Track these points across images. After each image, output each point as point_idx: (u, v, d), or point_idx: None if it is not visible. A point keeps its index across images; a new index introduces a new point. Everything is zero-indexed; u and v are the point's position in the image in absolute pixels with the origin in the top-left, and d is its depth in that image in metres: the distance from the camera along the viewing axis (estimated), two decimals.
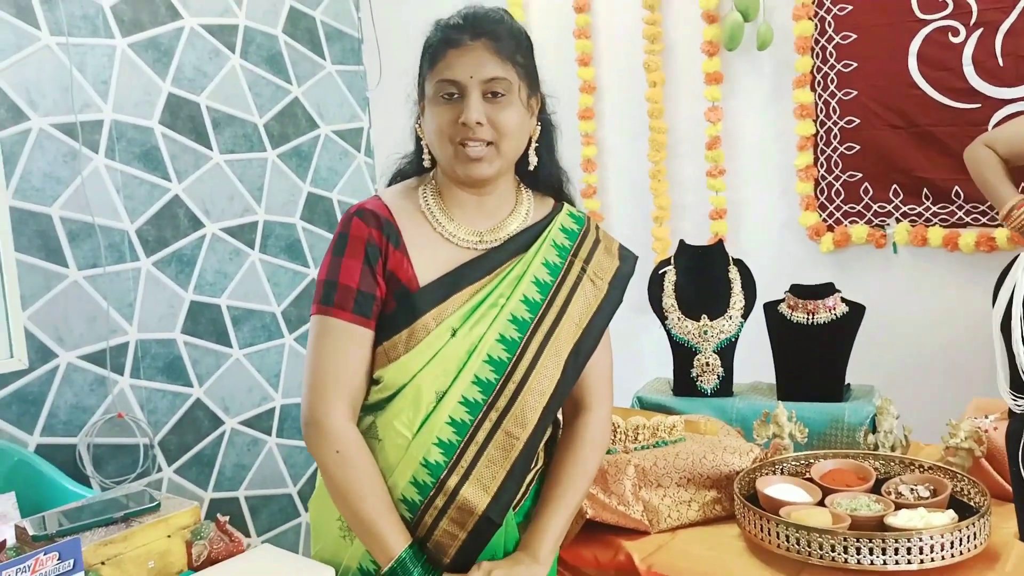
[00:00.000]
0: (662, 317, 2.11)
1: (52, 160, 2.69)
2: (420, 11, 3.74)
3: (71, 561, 1.12)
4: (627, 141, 3.20)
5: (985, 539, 1.42)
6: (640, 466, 1.66)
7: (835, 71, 2.75)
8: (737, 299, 2.07)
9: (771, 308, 2.06)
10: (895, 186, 2.69)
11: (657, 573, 1.52)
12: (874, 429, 1.82)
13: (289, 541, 3.35)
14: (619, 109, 3.21)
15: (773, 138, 2.91)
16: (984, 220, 2.55)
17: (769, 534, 1.46)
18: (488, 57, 1.33)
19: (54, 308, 2.69)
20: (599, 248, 1.49)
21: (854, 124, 2.74)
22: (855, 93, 2.72)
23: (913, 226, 2.66)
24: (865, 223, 2.75)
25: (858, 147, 2.74)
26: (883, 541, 1.36)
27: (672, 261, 2.15)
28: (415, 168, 1.46)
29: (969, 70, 2.52)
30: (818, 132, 2.80)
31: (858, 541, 1.37)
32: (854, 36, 2.70)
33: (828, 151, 2.80)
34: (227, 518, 1.41)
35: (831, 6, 2.73)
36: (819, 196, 2.83)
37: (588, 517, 1.61)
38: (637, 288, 2.12)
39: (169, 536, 1.37)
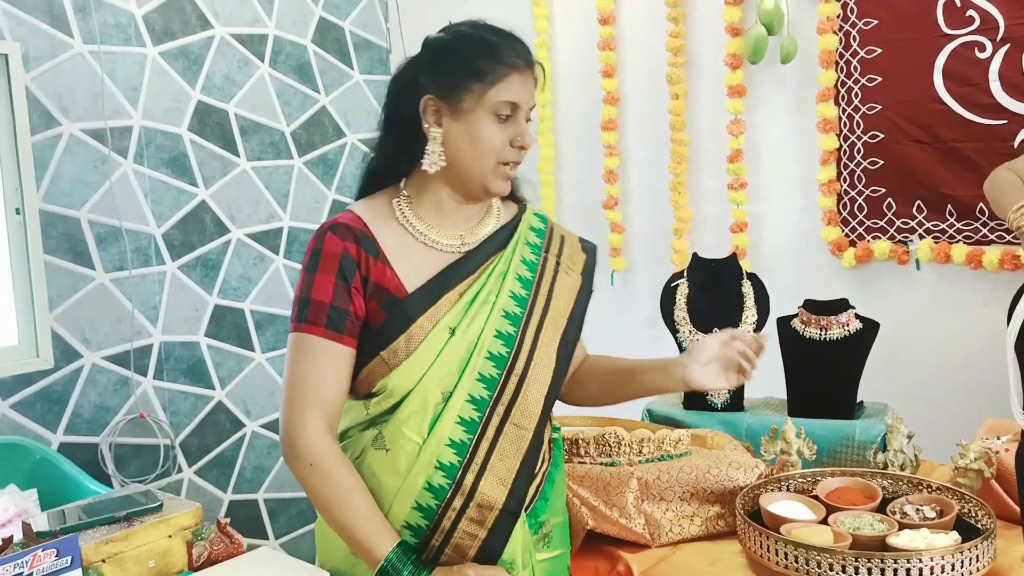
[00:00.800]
0: (674, 330, 2.10)
1: (82, 165, 2.76)
2: (447, 22, 3.77)
3: (68, 558, 1.14)
4: (649, 153, 3.20)
5: (989, 561, 1.40)
6: (643, 479, 1.66)
7: (859, 85, 2.73)
8: (749, 313, 2.06)
9: (784, 323, 2.04)
10: (919, 202, 2.66)
11: None
12: (884, 448, 1.80)
13: (307, 543, 3.38)
14: (642, 121, 3.21)
15: (796, 152, 2.89)
16: (1009, 237, 2.51)
17: (768, 551, 1.45)
18: (533, 86, 1.41)
19: (80, 309, 2.75)
20: (566, 243, 1.53)
21: (878, 139, 2.71)
22: (879, 108, 2.70)
23: (936, 242, 2.63)
24: (888, 239, 2.72)
25: (882, 162, 2.71)
26: (882, 561, 1.34)
27: (685, 274, 2.14)
28: (386, 167, 1.44)
29: (995, 86, 2.49)
30: (841, 146, 2.78)
31: (857, 560, 1.35)
32: (879, 50, 2.68)
33: (851, 165, 2.77)
34: (228, 520, 1.43)
35: (856, 20, 2.71)
36: (841, 211, 2.80)
37: (589, 528, 1.61)
38: (650, 300, 2.13)
39: (170, 536, 1.39)
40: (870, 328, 1.96)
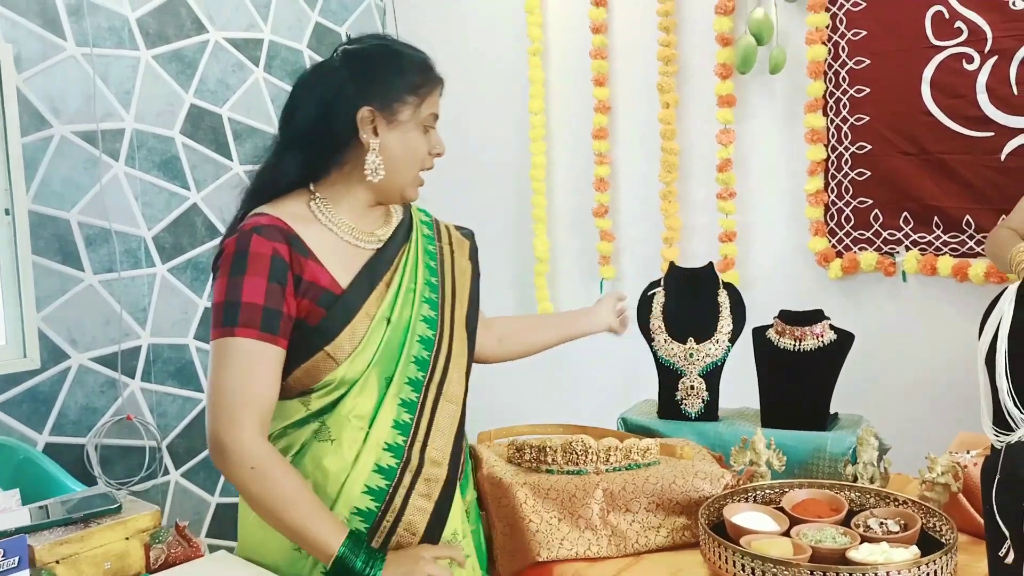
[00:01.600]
0: (649, 338, 2.10)
1: (72, 166, 2.78)
2: (443, 29, 3.77)
3: (16, 559, 1.15)
4: (640, 162, 3.20)
5: None
6: (609, 489, 1.65)
7: (848, 96, 2.72)
8: (725, 323, 2.06)
9: (759, 333, 2.03)
10: (905, 213, 2.64)
11: None
12: (855, 460, 1.79)
13: None
14: (633, 130, 3.21)
15: (784, 162, 2.88)
16: None
17: (727, 563, 1.44)
18: None
19: (68, 310, 2.77)
20: (452, 233, 1.64)
21: (866, 150, 2.70)
22: (867, 119, 2.69)
23: (923, 255, 2.61)
24: (874, 250, 2.71)
25: (869, 173, 2.70)
26: (838, 575, 1.34)
27: (662, 283, 2.14)
28: (299, 172, 1.45)
29: (983, 98, 2.48)
30: (829, 157, 2.77)
31: (812, 574, 1.35)
32: (868, 61, 2.67)
33: (839, 176, 2.76)
34: (186, 523, 1.44)
35: (845, 31, 2.70)
36: (829, 222, 2.79)
37: (540, 560, 1.60)
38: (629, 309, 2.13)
39: (128, 538, 1.40)
40: (845, 339, 1.95)
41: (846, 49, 2.71)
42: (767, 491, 1.70)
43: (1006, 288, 1.69)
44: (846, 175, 2.75)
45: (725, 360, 2.05)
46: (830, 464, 1.85)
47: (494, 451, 1.83)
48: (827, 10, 2.71)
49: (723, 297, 2.08)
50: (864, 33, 2.68)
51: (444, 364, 1.49)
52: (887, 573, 1.33)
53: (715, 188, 2.98)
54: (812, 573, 1.35)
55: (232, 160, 3.21)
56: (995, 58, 2.45)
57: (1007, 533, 1.34)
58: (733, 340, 2.05)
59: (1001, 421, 1.65)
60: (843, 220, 2.76)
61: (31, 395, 2.69)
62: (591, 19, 3.19)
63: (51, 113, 2.74)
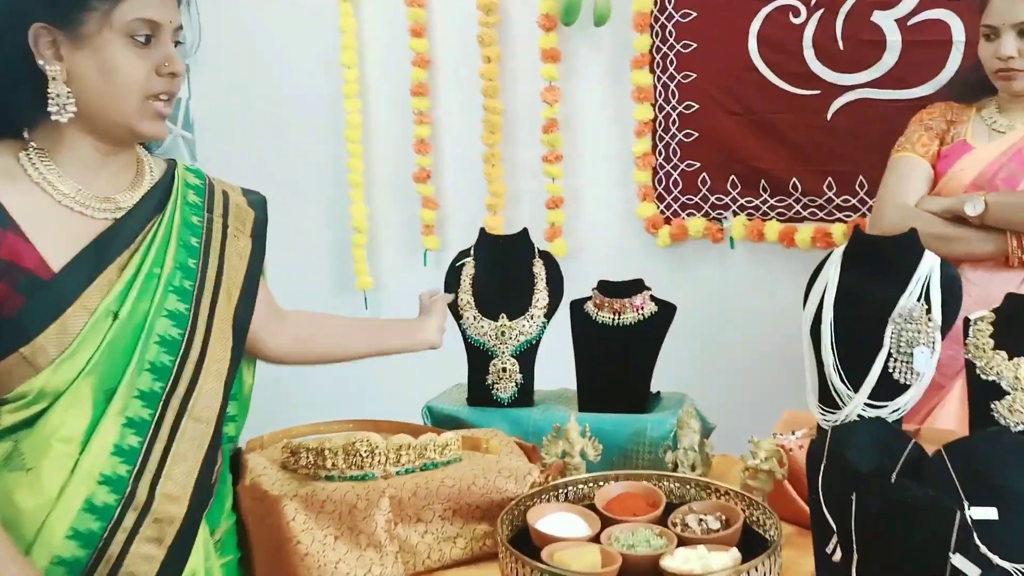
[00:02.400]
0: (457, 316, 1.86)
1: None
2: None
3: None
4: (462, 121, 2.94)
5: None
6: (396, 497, 1.40)
7: (675, 52, 2.56)
8: (540, 297, 1.84)
9: (577, 307, 1.83)
10: (733, 177, 2.53)
11: None
12: (675, 445, 1.62)
13: None
14: (454, 86, 2.95)
15: (611, 122, 2.71)
16: (821, 215, 2.41)
17: None
18: (176, 2, 1.22)
19: None
20: (230, 200, 1.36)
21: (693, 109, 2.56)
22: (695, 76, 2.54)
23: (750, 219, 2.50)
24: (703, 216, 2.58)
25: (696, 134, 2.57)
26: None
27: (472, 252, 1.90)
28: None
29: (809, 54, 2.38)
30: (656, 117, 2.61)
31: None
32: (694, 14, 2.52)
33: (667, 138, 2.61)
34: None
35: None
36: (657, 186, 2.64)
37: None
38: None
39: None
40: (667, 311, 1.78)
41: (672, 0, 2.54)
42: (580, 486, 1.49)
43: (831, 252, 1.55)
44: (674, 136, 2.60)
45: (540, 338, 1.83)
46: (650, 450, 1.68)
47: (267, 456, 1.55)
48: None
49: (539, 267, 1.87)
50: None
51: (193, 373, 1.22)
52: None
53: (541, 151, 2.78)
54: None
55: None
56: (821, 11, 2.35)
57: (834, 526, 1.19)
58: (549, 316, 1.84)
59: (827, 398, 1.52)
60: (671, 184, 2.62)
61: None
62: None
63: None
